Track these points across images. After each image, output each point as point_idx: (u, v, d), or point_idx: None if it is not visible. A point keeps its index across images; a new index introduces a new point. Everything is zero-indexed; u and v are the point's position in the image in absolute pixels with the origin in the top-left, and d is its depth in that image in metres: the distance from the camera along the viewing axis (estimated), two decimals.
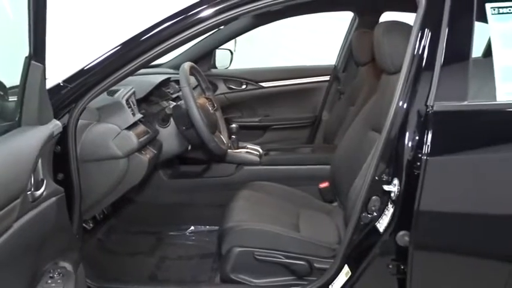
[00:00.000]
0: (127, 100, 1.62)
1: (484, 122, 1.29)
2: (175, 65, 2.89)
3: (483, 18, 1.29)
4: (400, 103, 1.30)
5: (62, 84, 1.38)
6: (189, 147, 2.05)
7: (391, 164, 1.34)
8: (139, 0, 4.49)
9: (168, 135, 1.87)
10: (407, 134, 1.28)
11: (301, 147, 2.63)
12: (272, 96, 3.06)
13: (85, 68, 1.38)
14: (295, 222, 1.78)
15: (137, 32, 1.42)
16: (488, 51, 1.35)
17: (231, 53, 3.11)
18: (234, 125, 2.28)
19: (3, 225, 0.88)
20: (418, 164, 1.25)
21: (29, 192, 0.98)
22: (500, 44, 1.30)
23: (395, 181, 1.30)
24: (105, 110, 1.56)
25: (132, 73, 1.42)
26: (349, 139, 2.01)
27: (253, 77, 3.05)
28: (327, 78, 3.02)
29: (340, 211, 1.87)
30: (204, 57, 2.94)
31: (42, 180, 1.03)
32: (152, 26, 1.43)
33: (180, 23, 1.42)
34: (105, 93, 1.58)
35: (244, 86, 3.05)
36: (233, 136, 2.29)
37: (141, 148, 1.64)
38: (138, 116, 1.68)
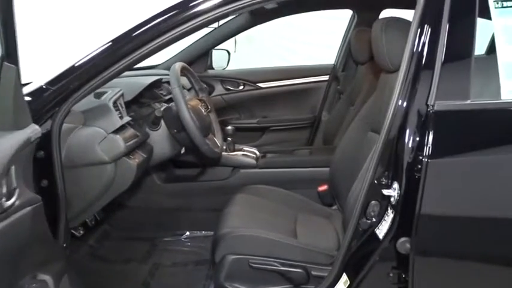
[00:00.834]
0: (114, 102, 1.56)
1: (488, 121, 1.22)
2: (170, 67, 2.83)
3: (486, 13, 1.22)
4: (399, 102, 1.23)
5: (44, 86, 1.31)
6: (183, 151, 1.99)
7: (391, 167, 1.27)
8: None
9: (159, 139, 1.81)
10: (406, 135, 1.22)
11: (300, 149, 2.56)
12: (270, 97, 2.99)
13: (68, 69, 1.31)
14: (292, 228, 1.72)
15: (123, 30, 1.36)
16: (491, 48, 1.29)
17: (228, 53, 3.05)
18: (229, 127, 2.22)
19: None
20: (419, 166, 1.18)
21: None
22: (504, 40, 1.23)
23: (395, 185, 1.24)
24: (90, 113, 1.50)
25: (118, 74, 1.36)
26: (348, 140, 1.95)
27: (251, 77, 2.99)
28: (326, 78, 2.96)
29: (339, 215, 1.81)
30: (199, 58, 2.88)
31: (15, 189, 0.96)
32: (141, 24, 1.37)
33: (172, 19, 1.36)
34: (91, 95, 1.52)
35: (241, 87, 2.99)
36: (229, 138, 2.23)
37: (129, 152, 1.58)
38: (127, 118, 1.62)
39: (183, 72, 1.86)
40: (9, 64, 0.95)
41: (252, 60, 3.76)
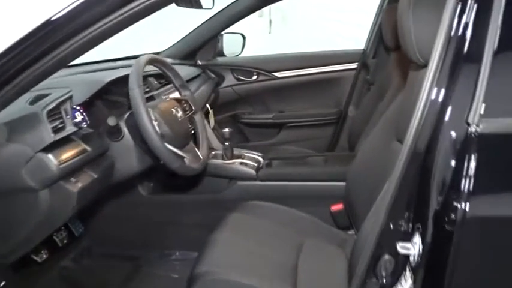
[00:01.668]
0: (54, 109, 1.22)
1: None
2: (173, 54, 2.49)
3: None
4: (426, 114, 0.82)
5: None
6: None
7: (411, 206, 0.88)
8: None
9: (123, 151, 1.43)
10: (435, 166, 0.81)
11: (313, 155, 2.13)
12: (288, 88, 2.58)
13: None
14: (292, 264, 1.36)
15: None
16: None
17: (243, 37, 2.66)
18: (227, 130, 1.85)
19: None
20: (452, 215, 0.78)
21: None
22: None
23: (416, 238, 0.83)
24: (17, 125, 1.17)
25: (51, 71, 1.02)
26: (368, 148, 1.54)
27: (266, 66, 2.58)
28: (354, 66, 2.50)
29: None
30: (207, 44, 2.50)
31: None
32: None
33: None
34: (23, 100, 1.20)
35: (255, 77, 2.60)
36: (226, 143, 1.86)
37: (68, 174, 1.25)
38: (70, 129, 1.28)
39: (157, 66, 1.50)
40: None
41: (288, 42, 3.31)
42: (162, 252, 1.90)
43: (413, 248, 0.84)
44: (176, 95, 1.64)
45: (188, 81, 2.32)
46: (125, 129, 1.42)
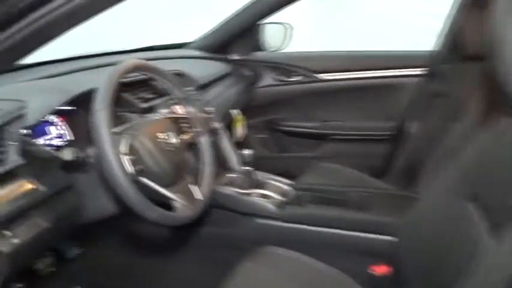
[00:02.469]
0: None
1: None
2: (203, 46, 2.14)
3: None
4: None
5: None
6: None
7: None
8: None
9: (92, 185, 1.09)
10: None
11: (356, 189, 1.66)
12: (335, 93, 2.14)
13: None
14: None
15: None
16: None
17: (288, 28, 2.24)
18: (247, 152, 1.46)
19: None
20: None
21: None
22: None
23: None
24: None
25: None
26: (431, 198, 1.12)
27: (311, 65, 2.16)
28: (417, 71, 2.01)
29: None
30: (243, 36, 2.12)
31: None
32: None
33: None
34: None
35: (297, 77, 2.19)
36: (247, 167, 1.48)
37: (2, 226, 0.92)
38: (13, 162, 0.92)
39: (146, 74, 1.13)
40: None
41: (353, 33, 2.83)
42: None
43: None
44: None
45: (218, 79, 1.97)
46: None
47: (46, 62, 1.49)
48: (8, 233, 0.89)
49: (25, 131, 1.03)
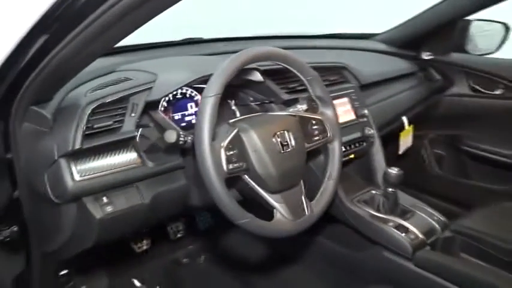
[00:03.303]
0: (113, 103, 0.93)
1: None
2: (391, 39, 1.90)
3: None
4: None
5: None
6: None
7: None
8: None
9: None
10: None
11: None
12: None
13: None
14: None
15: None
16: None
17: (506, 29, 1.81)
18: (394, 171, 1.20)
19: None
20: None
21: None
22: None
23: None
24: (61, 116, 0.92)
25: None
26: None
27: None
28: None
29: None
30: (442, 31, 1.79)
31: None
32: None
33: None
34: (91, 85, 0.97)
35: (500, 91, 1.75)
36: (390, 189, 1.23)
37: (100, 191, 0.94)
38: (126, 133, 0.95)
39: (281, 64, 0.98)
40: None
41: None
42: None
43: None
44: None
45: (395, 78, 1.73)
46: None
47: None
48: (104, 199, 0.93)
49: (164, 104, 1.06)
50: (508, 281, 1.06)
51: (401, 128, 1.66)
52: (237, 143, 0.89)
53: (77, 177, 0.90)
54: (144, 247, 1.48)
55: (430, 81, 1.86)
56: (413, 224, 1.20)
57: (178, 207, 1.11)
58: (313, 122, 1.04)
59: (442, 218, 1.25)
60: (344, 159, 1.33)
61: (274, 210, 0.94)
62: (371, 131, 1.39)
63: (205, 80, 0.94)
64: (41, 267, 1.07)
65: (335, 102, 1.34)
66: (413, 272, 1.12)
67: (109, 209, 0.93)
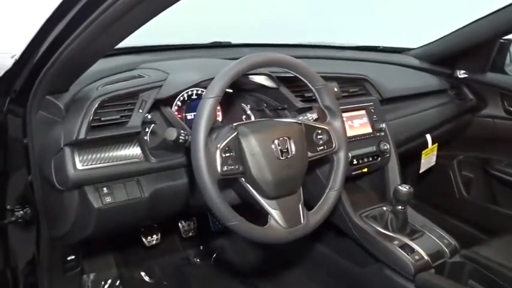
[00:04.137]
0: (122, 97, 0.97)
1: None
2: (425, 55, 1.85)
3: None
4: None
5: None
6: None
7: None
8: None
9: None
10: None
11: None
12: None
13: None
14: None
15: None
16: None
17: None
18: (404, 188, 1.17)
19: None
20: None
21: None
22: None
23: None
24: (72, 107, 0.97)
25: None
26: None
27: None
28: None
29: None
30: (481, 49, 1.73)
31: None
32: None
33: None
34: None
35: None
36: (399, 207, 1.19)
37: (101, 181, 0.97)
38: (132, 127, 0.98)
39: (289, 70, 0.97)
40: None
41: None
42: None
43: None
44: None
45: (423, 94, 1.69)
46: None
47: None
48: (105, 189, 0.96)
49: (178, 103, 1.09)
50: None
51: (425, 146, 1.61)
52: (234, 146, 0.90)
53: (79, 165, 0.94)
54: (154, 241, 1.52)
55: (461, 100, 1.79)
56: (420, 244, 1.16)
57: (178, 205, 1.13)
58: (319, 131, 1.04)
59: (453, 242, 1.20)
60: (356, 172, 1.32)
61: (269, 215, 0.94)
62: (386, 146, 1.36)
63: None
64: (50, 250, 1.13)
65: (352, 114, 1.34)
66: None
67: (108, 199, 0.97)
